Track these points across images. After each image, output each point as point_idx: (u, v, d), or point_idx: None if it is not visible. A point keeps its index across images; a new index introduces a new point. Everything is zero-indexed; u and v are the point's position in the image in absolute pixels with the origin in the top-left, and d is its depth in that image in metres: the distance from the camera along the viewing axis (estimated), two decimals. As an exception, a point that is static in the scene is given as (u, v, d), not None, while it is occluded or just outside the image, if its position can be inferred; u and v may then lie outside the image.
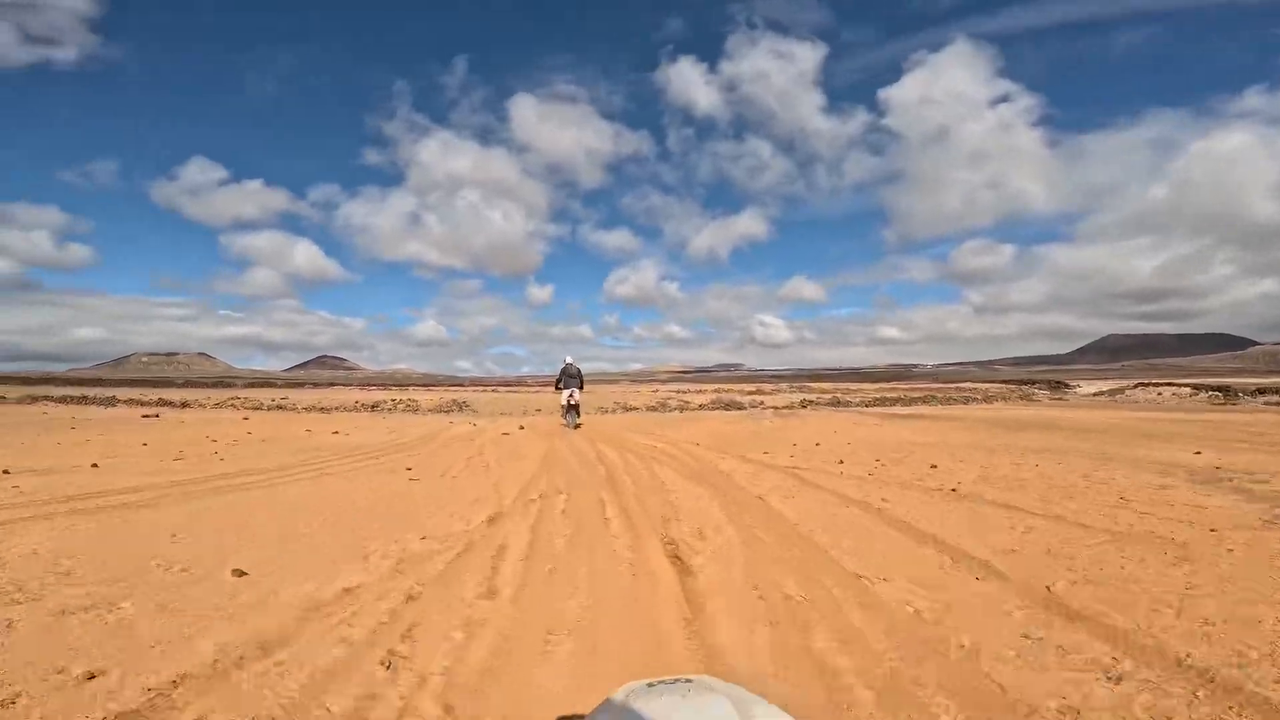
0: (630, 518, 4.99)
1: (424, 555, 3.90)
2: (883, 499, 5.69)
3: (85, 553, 3.87)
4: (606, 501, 5.65)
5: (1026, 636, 2.74)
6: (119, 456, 8.82)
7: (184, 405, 27.15)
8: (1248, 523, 4.58)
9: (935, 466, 7.69)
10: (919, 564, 3.77)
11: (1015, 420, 16.12)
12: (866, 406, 26.51)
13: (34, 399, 28.07)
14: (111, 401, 27.59)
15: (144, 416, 19.08)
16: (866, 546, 4.13)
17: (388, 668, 2.43)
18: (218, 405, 26.90)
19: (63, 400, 27.62)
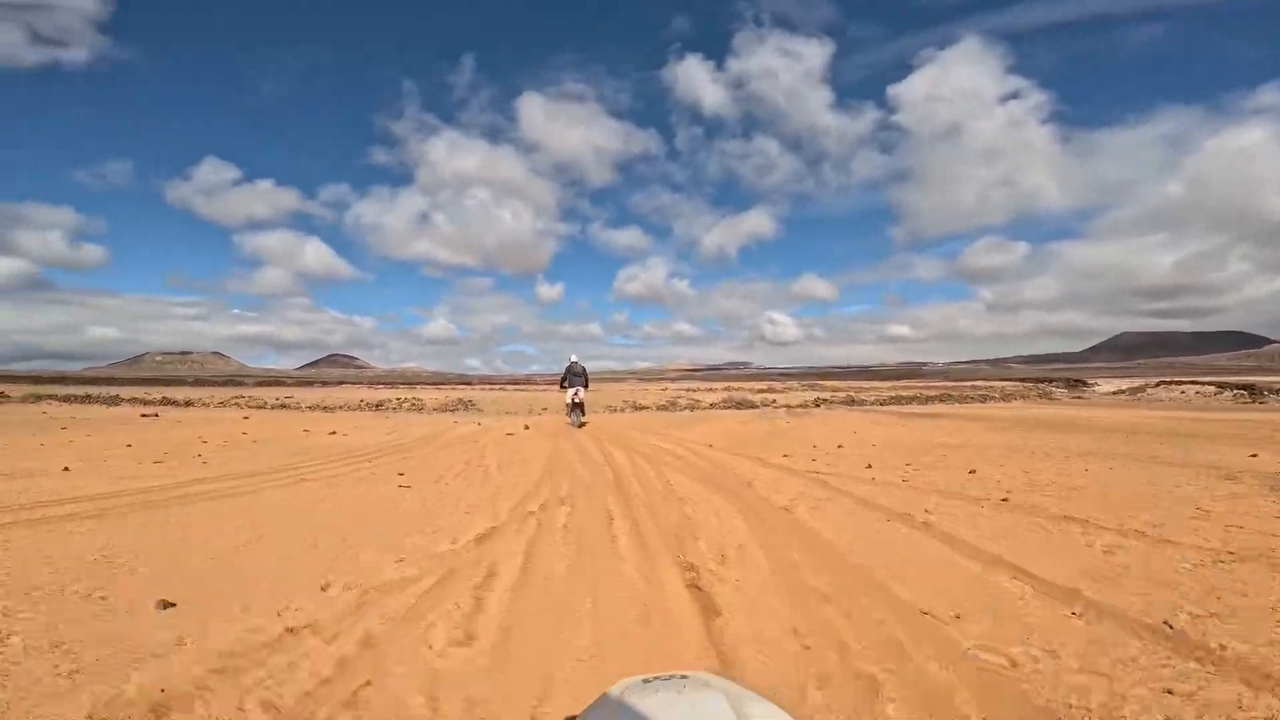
0: (641, 535, 4.34)
1: (396, 584, 3.27)
2: (926, 511, 5.02)
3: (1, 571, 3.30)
4: (614, 514, 5.00)
5: (1170, 692, 2.09)
6: (97, 459, 8.30)
7: (188, 404, 26.80)
8: (1367, 541, 3.89)
9: (974, 472, 7.00)
10: (993, 594, 3.10)
11: (1044, 420, 15.34)
12: (882, 405, 25.75)
13: (38, 398, 27.82)
14: (115, 400, 27.30)
15: (143, 416, 18.67)
16: (922, 572, 3.47)
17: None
18: (221, 404, 26.52)
19: (67, 399, 27.35)
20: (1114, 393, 37.27)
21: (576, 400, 15.03)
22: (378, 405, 25.16)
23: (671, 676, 0.88)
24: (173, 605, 2.90)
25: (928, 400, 28.29)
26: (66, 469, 7.29)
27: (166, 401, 27.40)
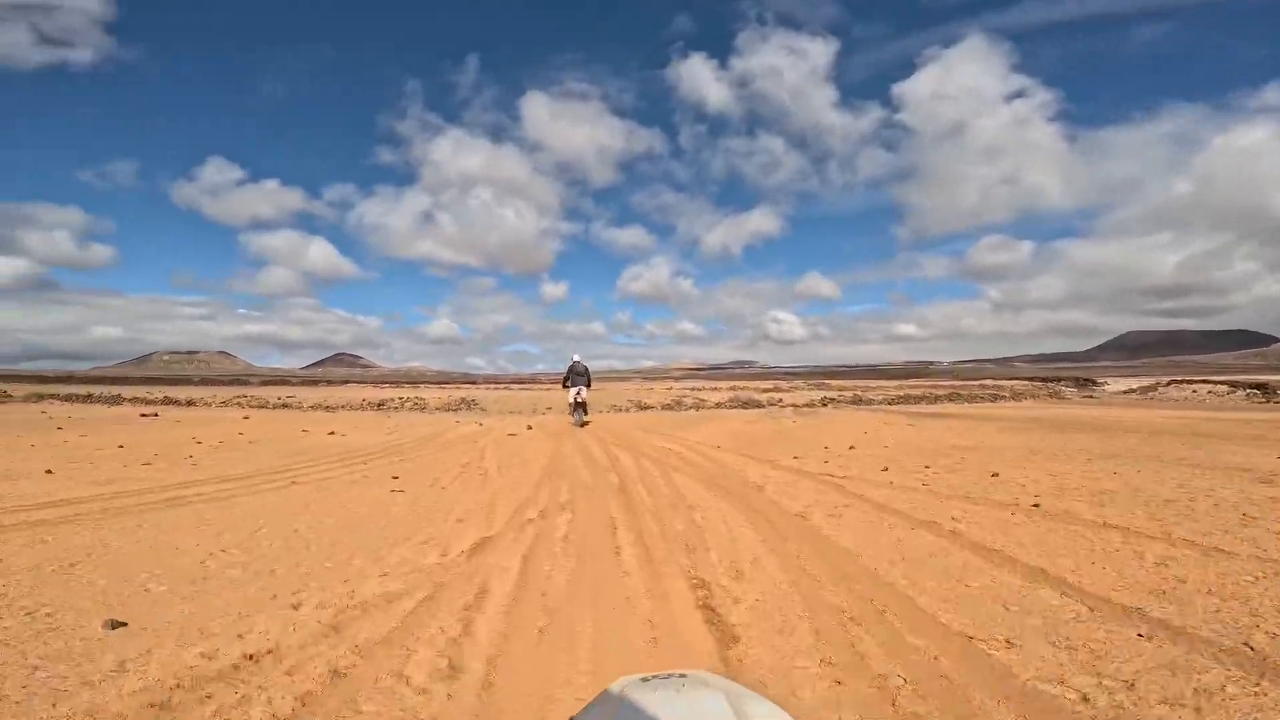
0: (647, 546, 4.00)
1: (376, 602, 2.96)
2: (952, 518, 4.68)
3: (-56, 593, 3.00)
4: (618, 522, 4.67)
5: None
6: (85, 461, 8.03)
7: (190, 404, 26.60)
8: None
9: (997, 475, 6.66)
10: (1042, 613, 2.77)
11: (1059, 420, 14.95)
12: (890, 405, 25.36)
13: (40, 397, 27.67)
14: (117, 400, 27.12)
15: (142, 416, 18.45)
16: (958, 588, 3.14)
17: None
18: (223, 404, 26.31)
19: (69, 399, 27.20)
20: (1124, 392, 36.87)
21: (579, 399, 14.98)
22: (380, 405, 24.90)
23: (670, 675, 0.87)
24: (123, 625, 2.60)
25: (937, 399, 27.88)
26: (50, 471, 7.02)
27: (168, 401, 27.22)
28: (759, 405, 24.36)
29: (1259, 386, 31.55)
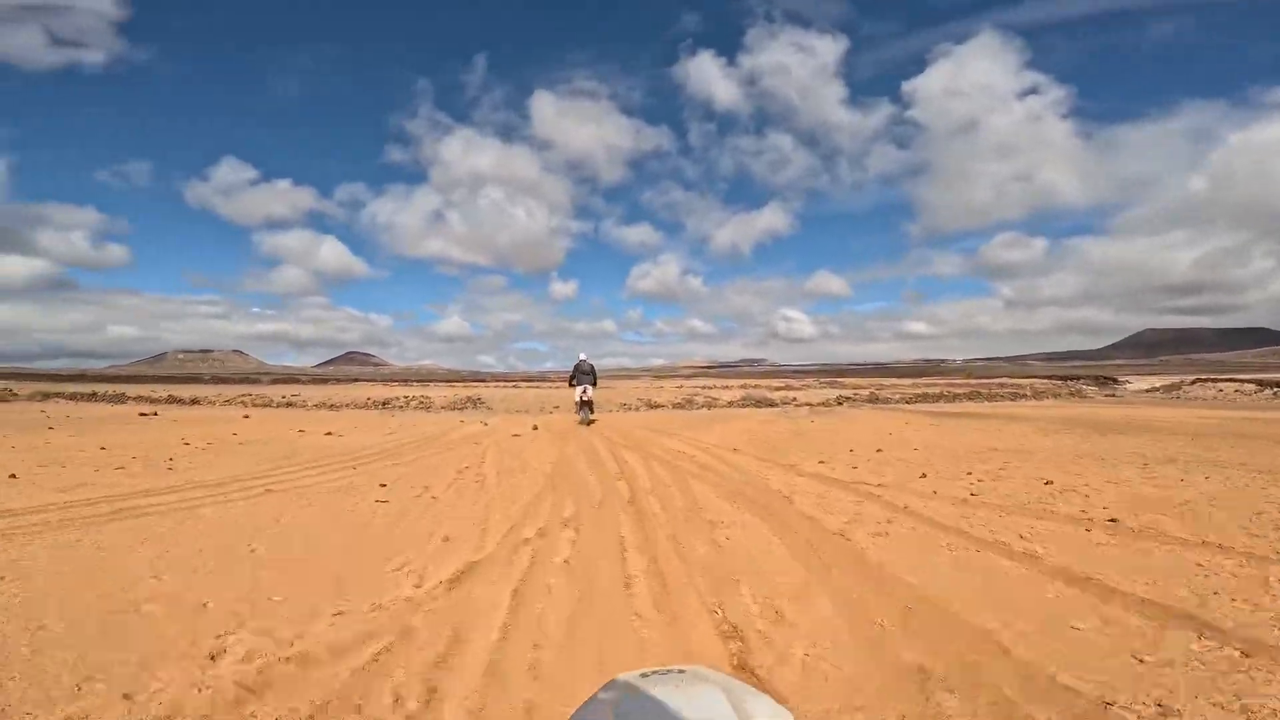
0: (663, 575, 3.33)
1: (319, 653, 2.32)
2: (1021, 536, 4.00)
3: None
4: (628, 542, 4.00)
5: None
6: (57, 464, 7.49)
7: (194, 402, 26.27)
8: None
9: (1051, 483, 5.95)
10: (1187, 663, 2.10)
11: (1093, 420, 14.14)
12: (909, 404, 24.56)
13: (45, 396, 27.43)
14: (121, 399, 26.83)
15: (141, 415, 18.04)
16: (1067, 633, 2.46)
17: None
18: (227, 402, 25.94)
19: (73, 398, 26.93)
20: (1147, 391, 35.93)
21: (585, 398, 14.89)
22: (384, 404, 24.41)
23: (670, 670, 0.85)
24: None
25: (956, 398, 27.03)
26: (14, 476, 6.48)
27: (172, 400, 26.89)
28: (772, 404, 23.64)
29: (1287, 384, 30.50)
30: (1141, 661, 2.22)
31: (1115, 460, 7.47)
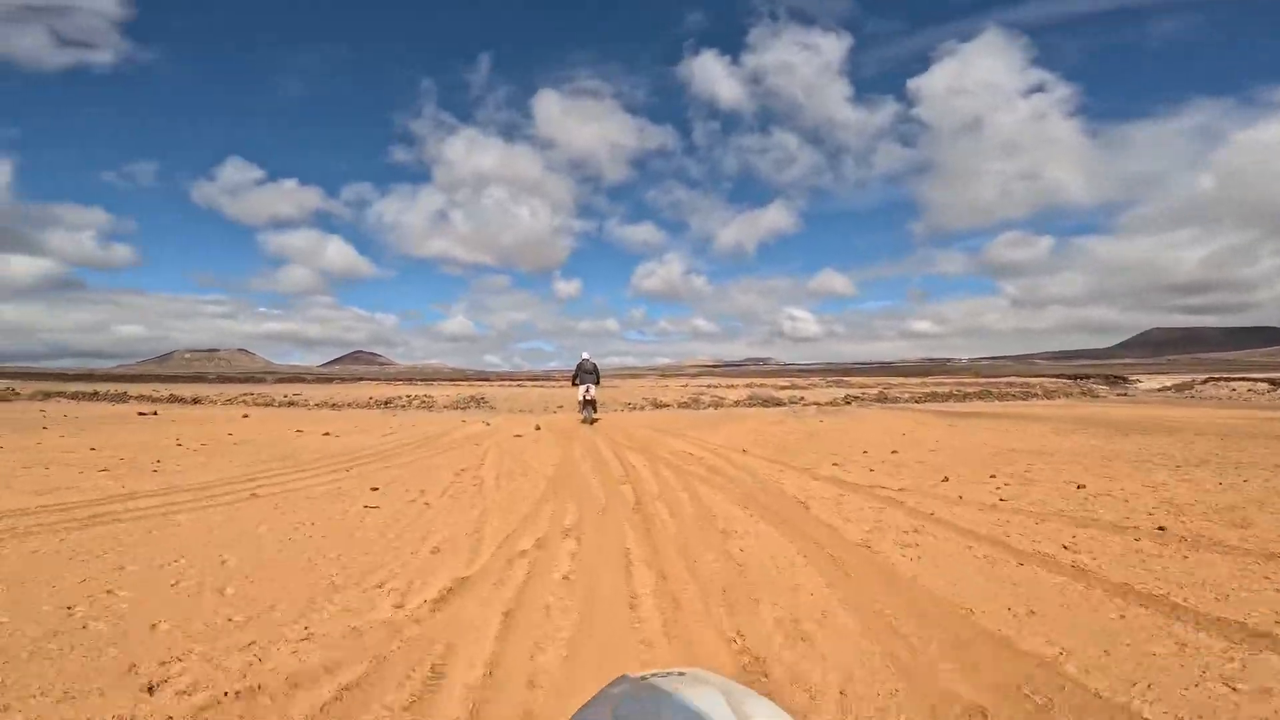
0: (673, 592, 2.99)
1: (275, 686, 2.00)
2: (1064, 547, 3.65)
3: None
4: (634, 555, 3.66)
5: None
6: (42, 466, 7.21)
7: (195, 402, 26.06)
8: None
9: (1083, 487, 5.60)
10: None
11: (1110, 420, 13.73)
12: (918, 403, 24.15)
13: (46, 395, 27.30)
14: (123, 398, 26.67)
15: (140, 415, 17.82)
16: (1144, 659, 2.12)
17: None
18: (228, 401, 25.73)
19: (75, 397, 26.78)
20: (1159, 390, 35.48)
21: (588, 397, 14.98)
22: (386, 403, 24.15)
23: (669, 673, 0.81)
24: None
25: (966, 397, 26.60)
26: (-11, 480, 6.20)
27: (174, 399, 26.71)
28: (780, 403, 23.27)
29: (1303, 384, 30.01)
30: (1235, 690, 1.89)
31: (1143, 462, 7.11)
